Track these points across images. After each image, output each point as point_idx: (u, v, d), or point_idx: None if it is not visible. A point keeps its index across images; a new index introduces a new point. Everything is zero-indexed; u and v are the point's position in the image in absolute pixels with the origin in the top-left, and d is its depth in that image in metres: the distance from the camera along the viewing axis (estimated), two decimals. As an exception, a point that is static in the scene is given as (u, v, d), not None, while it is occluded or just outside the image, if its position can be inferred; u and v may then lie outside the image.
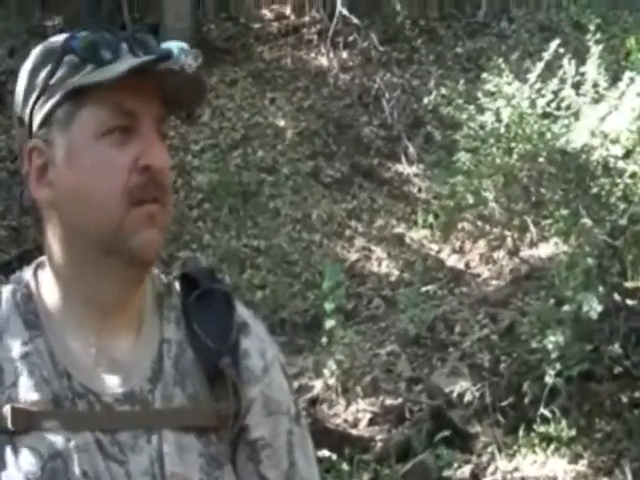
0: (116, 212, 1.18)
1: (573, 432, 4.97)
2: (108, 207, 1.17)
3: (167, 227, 1.22)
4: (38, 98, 1.21)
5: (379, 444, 5.18)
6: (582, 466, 4.87)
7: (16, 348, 1.20)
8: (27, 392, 1.18)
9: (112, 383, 1.20)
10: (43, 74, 1.21)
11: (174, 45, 1.21)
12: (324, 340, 5.83)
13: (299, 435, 1.29)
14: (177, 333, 1.25)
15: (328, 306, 5.84)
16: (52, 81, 1.20)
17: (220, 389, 1.23)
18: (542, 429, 5.00)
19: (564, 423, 4.99)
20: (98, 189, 1.18)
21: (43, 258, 1.26)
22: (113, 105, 1.18)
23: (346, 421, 5.41)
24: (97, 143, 1.19)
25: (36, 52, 1.24)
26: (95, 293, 1.21)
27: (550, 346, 5.04)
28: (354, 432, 5.31)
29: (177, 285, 1.29)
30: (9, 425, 1.16)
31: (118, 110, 1.18)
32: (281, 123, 8.72)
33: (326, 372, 5.63)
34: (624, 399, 5.04)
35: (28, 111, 1.22)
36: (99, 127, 1.19)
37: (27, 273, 1.27)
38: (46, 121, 1.21)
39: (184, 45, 1.21)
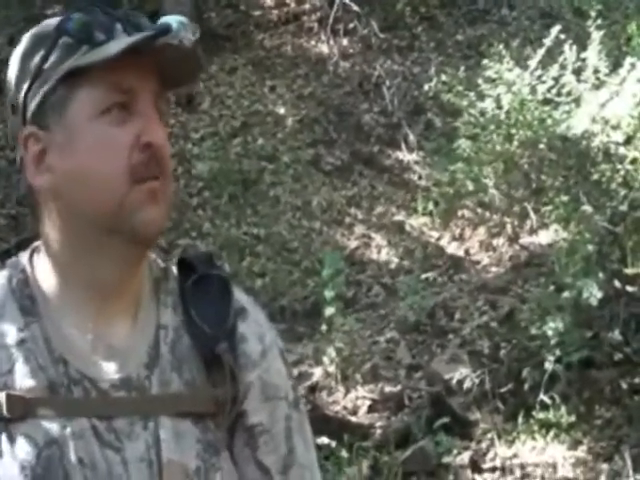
0: (119, 191, 1.16)
1: (573, 418, 4.97)
2: (111, 186, 1.16)
3: (169, 203, 1.21)
4: (32, 84, 1.20)
5: (378, 431, 5.18)
6: (582, 452, 4.88)
7: (12, 335, 1.19)
8: (23, 379, 1.17)
9: (108, 369, 1.19)
10: (36, 59, 1.20)
11: (172, 19, 1.20)
12: (324, 327, 5.84)
13: (298, 421, 1.28)
14: (174, 318, 1.24)
15: (328, 294, 5.85)
16: (46, 65, 1.19)
17: (217, 375, 1.22)
18: (541, 415, 5.01)
19: (564, 409, 5.00)
20: (100, 169, 1.17)
21: (39, 243, 1.25)
22: (110, 84, 1.17)
23: (345, 408, 5.41)
24: (96, 122, 1.17)
25: (28, 37, 1.23)
26: (94, 275, 1.20)
27: (550, 333, 5.04)
28: (353, 419, 5.32)
29: (174, 270, 1.28)
30: (4, 412, 1.16)
31: (115, 88, 1.17)
32: (281, 111, 8.70)
33: (326, 359, 5.63)
34: (624, 385, 5.04)
35: (21, 97, 1.21)
36: (97, 106, 1.18)
37: (23, 258, 1.25)
38: (42, 106, 1.19)
39: (183, 19, 1.20)
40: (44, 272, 1.23)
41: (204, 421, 1.21)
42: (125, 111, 1.18)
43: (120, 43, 1.16)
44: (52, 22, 1.22)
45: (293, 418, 1.27)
